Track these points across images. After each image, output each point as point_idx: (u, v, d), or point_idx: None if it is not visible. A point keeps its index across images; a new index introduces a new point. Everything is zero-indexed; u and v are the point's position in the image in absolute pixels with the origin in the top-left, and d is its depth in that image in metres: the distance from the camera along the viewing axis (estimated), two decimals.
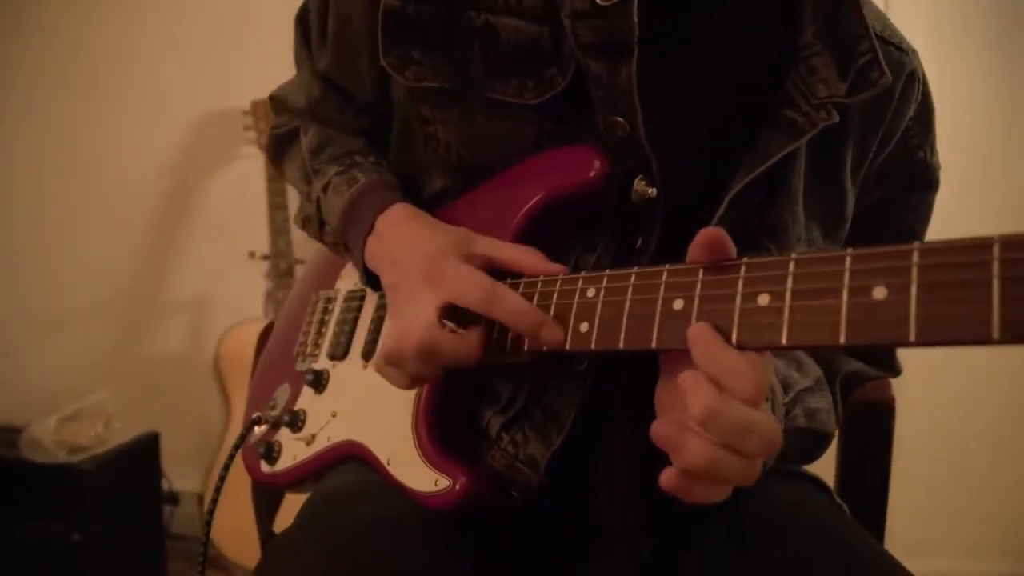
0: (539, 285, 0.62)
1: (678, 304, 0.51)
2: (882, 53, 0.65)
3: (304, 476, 0.80)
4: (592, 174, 0.65)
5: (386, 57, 0.72)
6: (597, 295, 0.56)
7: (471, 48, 0.68)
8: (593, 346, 0.55)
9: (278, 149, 0.92)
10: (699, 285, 0.50)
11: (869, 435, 0.93)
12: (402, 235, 0.71)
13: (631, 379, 0.69)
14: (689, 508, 0.72)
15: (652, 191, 0.65)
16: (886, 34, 0.71)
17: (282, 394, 0.87)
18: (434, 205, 0.76)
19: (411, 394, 0.70)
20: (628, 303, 0.53)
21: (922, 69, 0.73)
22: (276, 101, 0.92)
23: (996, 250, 0.37)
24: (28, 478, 1.78)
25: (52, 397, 1.95)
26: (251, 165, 2.22)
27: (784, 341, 0.45)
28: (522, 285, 0.63)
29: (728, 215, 0.64)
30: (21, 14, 2.31)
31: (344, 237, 0.78)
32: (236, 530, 1.83)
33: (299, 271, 2.09)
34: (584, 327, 0.56)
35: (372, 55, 0.74)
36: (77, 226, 2.35)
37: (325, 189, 0.80)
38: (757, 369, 0.47)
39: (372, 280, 0.76)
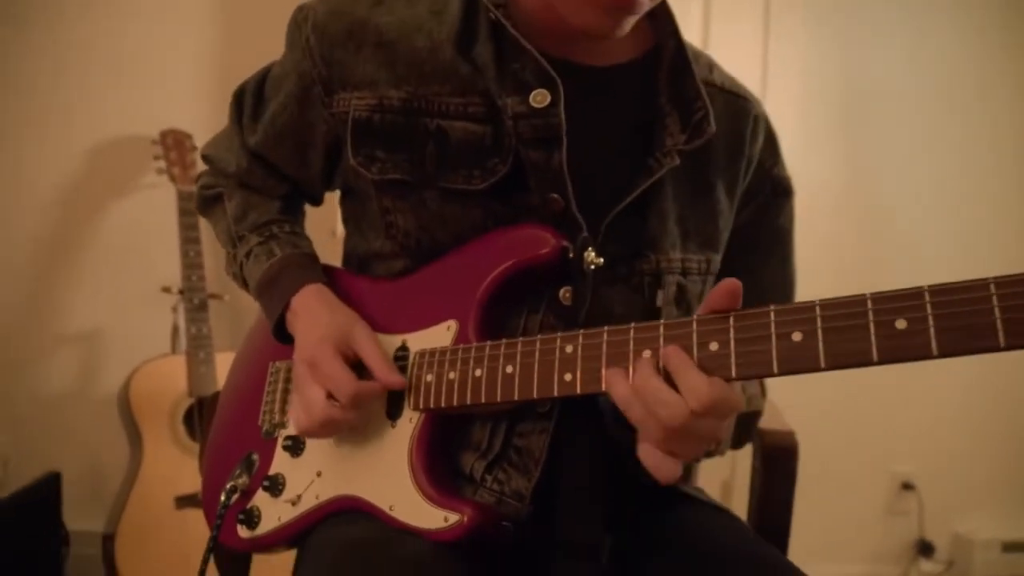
0: (519, 345, 0.74)
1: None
2: (726, 103, 0.88)
3: (292, 535, 0.86)
4: (549, 248, 0.78)
5: (355, 157, 0.85)
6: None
7: (426, 147, 0.83)
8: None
9: (205, 207, 1.04)
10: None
11: (777, 473, 1.12)
12: (305, 317, 0.86)
13: (589, 412, 0.81)
14: (641, 513, 0.87)
15: (601, 260, 0.80)
16: (731, 87, 0.92)
17: (249, 463, 0.92)
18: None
19: (402, 447, 0.79)
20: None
21: (763, 110, 0.94)
22: (207, 160, 1.03)
23: (869, 303, 0.56)
24: None
25: None
26: (160, 195, 2.18)
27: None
28: (520, 344, 0.74)
29: (608, 237, 0.81)
30: None
31: (261, 303, 0.93)
32: None
33: (213, 306, 2.08)
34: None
35: (326, 152, 0.91)
36: None
37: (248, 255, 0.94)
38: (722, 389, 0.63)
39: (287, 342, 0.89)
